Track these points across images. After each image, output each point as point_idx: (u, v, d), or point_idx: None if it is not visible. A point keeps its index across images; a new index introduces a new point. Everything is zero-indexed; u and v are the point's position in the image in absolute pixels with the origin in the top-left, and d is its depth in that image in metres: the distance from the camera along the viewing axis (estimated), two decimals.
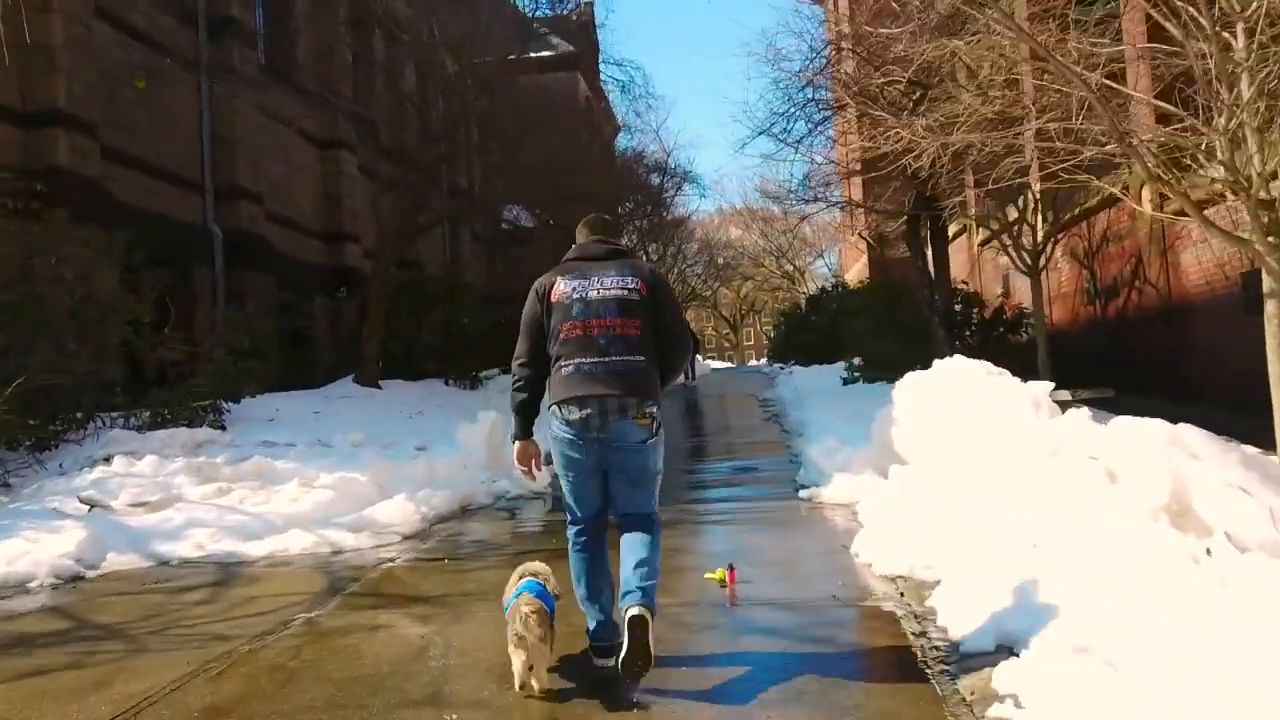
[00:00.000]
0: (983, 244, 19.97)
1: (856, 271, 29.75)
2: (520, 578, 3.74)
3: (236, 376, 11.14)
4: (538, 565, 3.86)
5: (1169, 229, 11.45)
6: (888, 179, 17.37)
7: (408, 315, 17.60)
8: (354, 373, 15.37)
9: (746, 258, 49.79)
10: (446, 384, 17.79)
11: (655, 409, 3.70)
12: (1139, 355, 12.26)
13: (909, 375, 7.42)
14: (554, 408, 3.68)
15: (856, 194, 20.15)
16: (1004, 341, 15.16)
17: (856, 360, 18.97)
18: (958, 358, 7.00)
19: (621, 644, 3.43)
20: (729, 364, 58.71)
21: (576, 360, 3.61)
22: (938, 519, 5.27)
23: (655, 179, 28.30)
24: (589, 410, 3.57)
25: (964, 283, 16.58)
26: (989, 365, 6.88)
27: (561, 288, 3.70)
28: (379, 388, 15.23)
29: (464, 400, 16.21)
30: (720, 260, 48.43)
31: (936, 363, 7.13)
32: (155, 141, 14.12)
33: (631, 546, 3.66)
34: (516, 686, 3.48)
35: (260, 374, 11.78)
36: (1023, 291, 16.50)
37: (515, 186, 22.00)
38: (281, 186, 17.63)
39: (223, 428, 10.44)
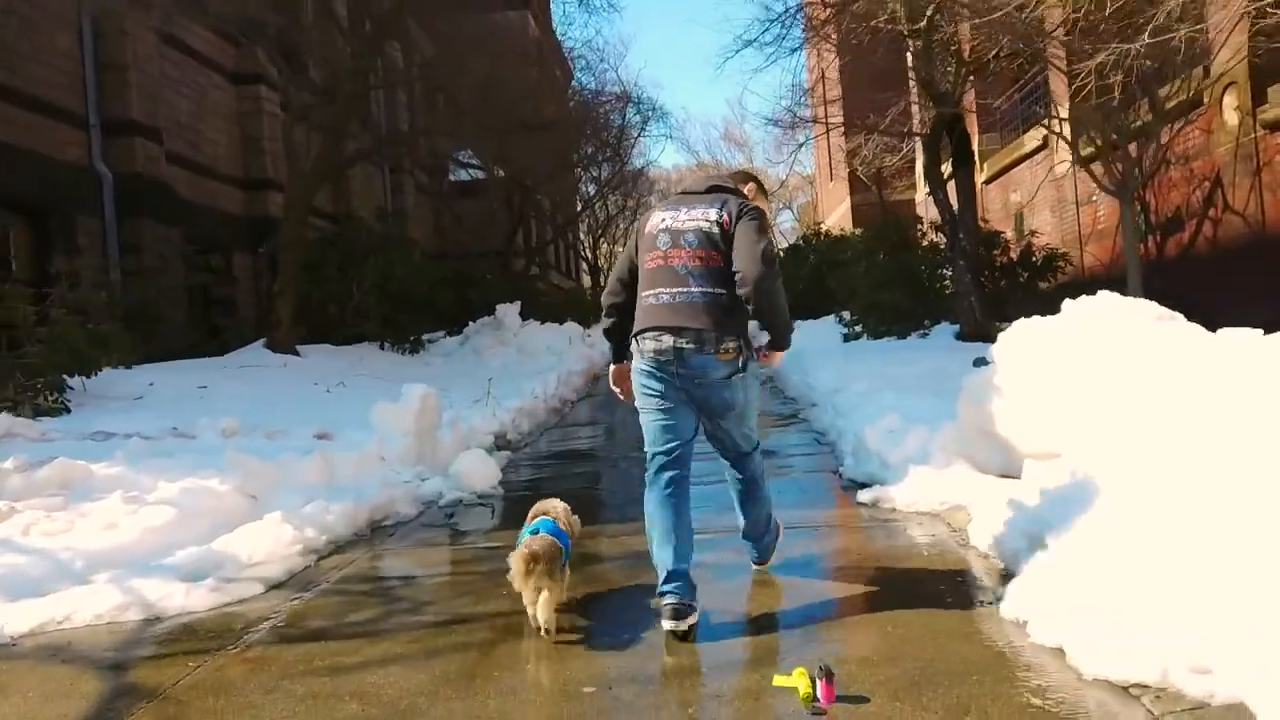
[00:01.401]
0: (988, 181, 17.80)
1: (838, 219, 27.50)
2: (533, 518, 3.70)
3: (90, 345, 8.56)
4: (555, 503, 3.81)
5: (1264, 143, 9.28)
6: (894, 96, 15.10)
7: (337, 270, 15.09)
8: (267, 337, 12.84)
9: None
10: (382, 348, 15.29)
11: (739, 343, 3.54)
12: (1212, 301, 10.09)
13: (1019, 324, 5.13)
14: (633, 341, 3.62)
15: (847, 124, 17.79)
16: (1032, 287, 13.01)
17: (847, 314, 16.84)
18: (1103, 295, 4.71)
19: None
20: None
21: (656, 290, 3.55)
22: (1171, 562, 3.00)
23: (616, 118, 25.60)
24: (664, 340, 3.48)
25: (984, 220, 14.36)
26: (1155, 306, 4.61)
27: (654, 218, 3.70)
28: (297, 354, 12.68)
29: (400, 368, 13.73)
30: None
31: (1066, 304, 4.84)
32: (20, 64, 11.33)
33: (742, 506, 3.87)
34: (540, 629, 3.36)
35: (119, 341, 9.19)
36: (1046, 231, 14.33)
37: (458, 123, 19.39)
38: (189, 125, 14.90)
39: (65, 410, 7.91)
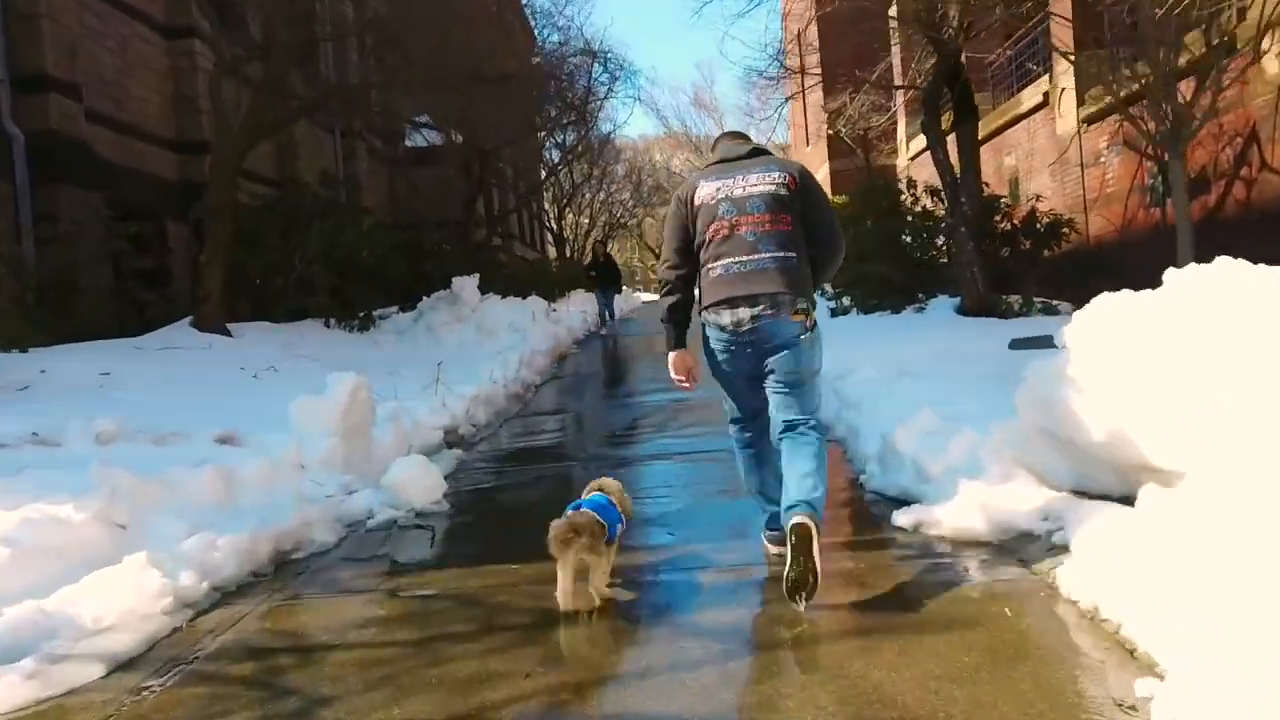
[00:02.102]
0: (984, 140, 16.73)
1: None
2: (586, 494, 3.68)
3: None
4: (609, 481, 3.82)
5: None
6: (880, 50, 13.91)
7: (279, 239, 13.75)
8: (193, 314, 11.51)
9: (678, 177, 46.11)
10: (327, 325, 13.98)
11: (810, 306, 3.55)
12: None
13: (1102, 300, 4.02)
14: (704, 313, 3.59)
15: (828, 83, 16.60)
16: (1036, 256, 11.99)
17: (829, 286, 15.77)
18: (1223, 261, 3.62)
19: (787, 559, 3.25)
20: (656, 296, 55.46)
21: (725, 261, 3.51)
22: None
23: (581, 78, 24.17)
24: (740, 312, 3.46)
25: (985, 184, 13.30)
26: None
27: (706, 189, 3.62)
28: (226, 333, 11.38)
29: (345, 348, 12.48)
30: (649, 183, 44.56)
31: (1170, 275, 3.74)
32: None
33: (792, 459, 3.49)
34: (560, 605, 3.32)
35: (11, 321, 7.91)
36: (1046, 196, 13.28)
37: (412, 76, 18.04)
38: (114, 81, 13.36)
39: None
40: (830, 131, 18.70)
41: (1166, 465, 3.41)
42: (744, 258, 3.46)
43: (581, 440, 7.57)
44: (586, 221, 43.01)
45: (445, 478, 5.77)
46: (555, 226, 36.39)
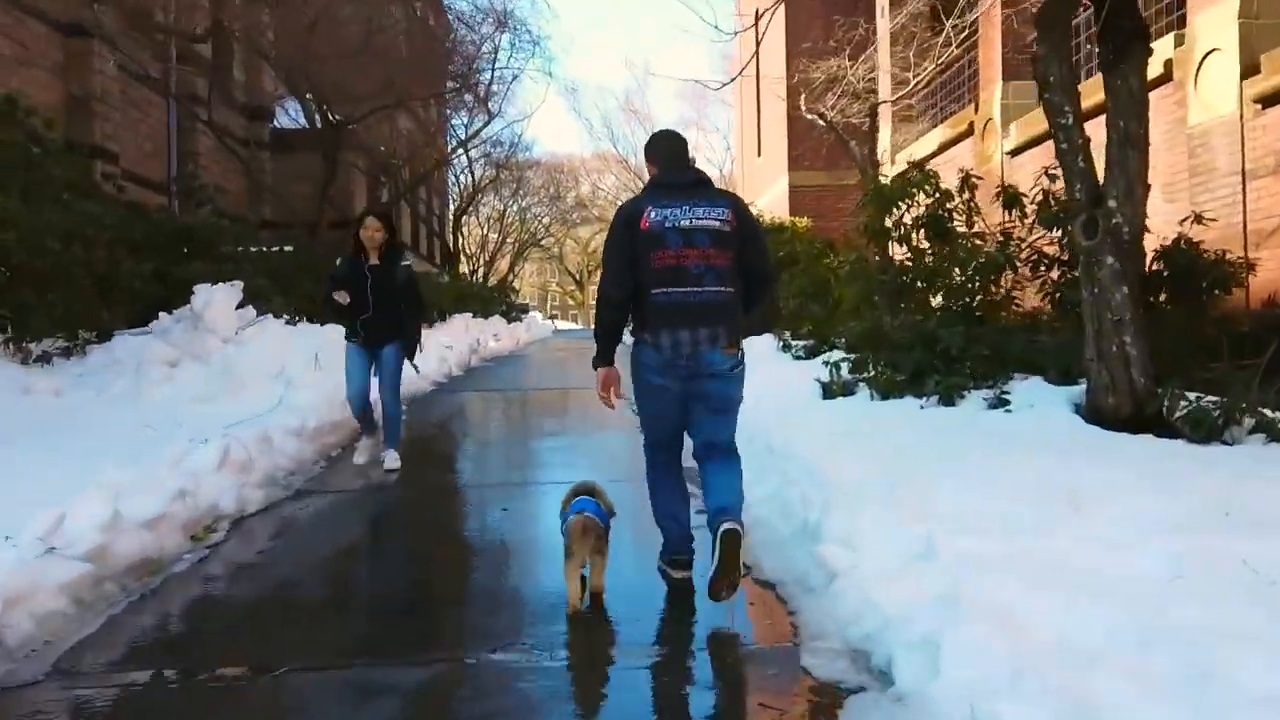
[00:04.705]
0: (1015, 152, 11.75)
1: (766, 205, 21.28)
2: (574, 496, 3.88)
3: None
4: (591, 483, 3.99)
5: None
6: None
7: None
8: None
9: (604, 193, 41.04)
10: None
11: (739, 338, 3.79)
12: None
13: None
14: (643, 335, 3.76)
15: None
16: (1195, 310, 6.92)
17: (791, 336, 10.76)
18: None
19: (712, 560, 3.55)
20: (574, 325, 50.64)
21: (668, 289, 3.67)
22: None
23: (489, 44, 18.69)
24: (681, 340, 3.66)
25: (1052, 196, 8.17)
26: None
27: (653, 216, 3.72)
28: None
29: None
30: (571, 198, 39.19)
31: None
32: None
33: (716, 474, 3.81)
34: (569, 609, 3.60)
35: None
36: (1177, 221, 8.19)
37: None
38: None
39: None
40: (800, 112, 13.34)
41: None
42: (689, 289, 3.63)
43: None
44: (495, 236, 37.42)
45: None
46: (451, 237, 30.60)
